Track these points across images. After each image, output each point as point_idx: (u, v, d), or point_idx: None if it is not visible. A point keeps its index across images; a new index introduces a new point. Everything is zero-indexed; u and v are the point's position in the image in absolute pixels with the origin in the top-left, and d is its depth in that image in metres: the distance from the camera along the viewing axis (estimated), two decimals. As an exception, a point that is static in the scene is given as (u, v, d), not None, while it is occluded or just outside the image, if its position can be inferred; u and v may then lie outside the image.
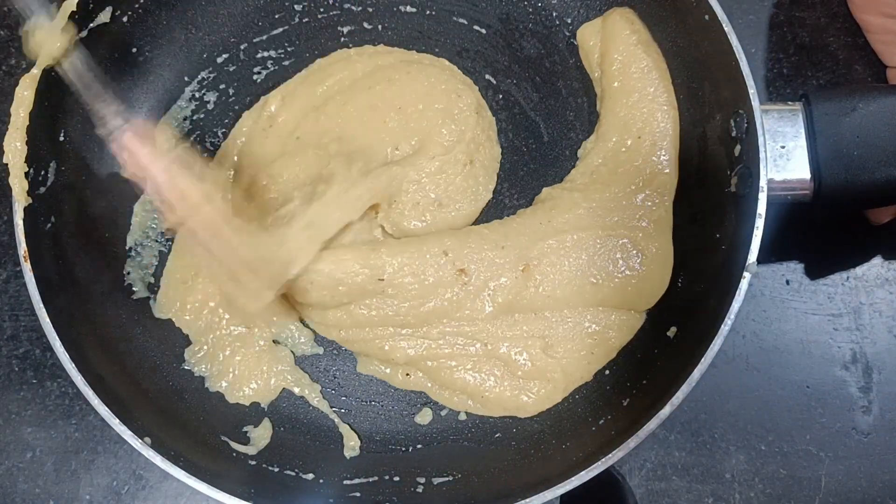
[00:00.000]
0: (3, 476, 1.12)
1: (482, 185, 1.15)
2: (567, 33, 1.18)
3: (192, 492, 1.10)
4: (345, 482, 1.04)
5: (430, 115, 1.15)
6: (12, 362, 1.15)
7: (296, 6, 1.19)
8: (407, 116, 1.15)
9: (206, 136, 1.16)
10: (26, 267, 0.96)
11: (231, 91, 1.18)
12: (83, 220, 1.08)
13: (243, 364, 1.09)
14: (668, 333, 1.05)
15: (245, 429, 1.07)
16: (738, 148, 1.00)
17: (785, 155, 0.98)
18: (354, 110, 1.16)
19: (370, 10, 1.20)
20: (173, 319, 1.10)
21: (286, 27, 1.18)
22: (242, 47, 1.18)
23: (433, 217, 1.13)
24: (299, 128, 1.16)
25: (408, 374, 1.10)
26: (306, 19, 1.19)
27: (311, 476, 1.05)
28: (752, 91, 0.97)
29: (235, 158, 1.15)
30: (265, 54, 1.18)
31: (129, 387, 1.02)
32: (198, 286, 1.10)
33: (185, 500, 1.12)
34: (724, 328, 0.93)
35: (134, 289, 1.10)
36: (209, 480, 0.93)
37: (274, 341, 1.11)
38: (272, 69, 1.18)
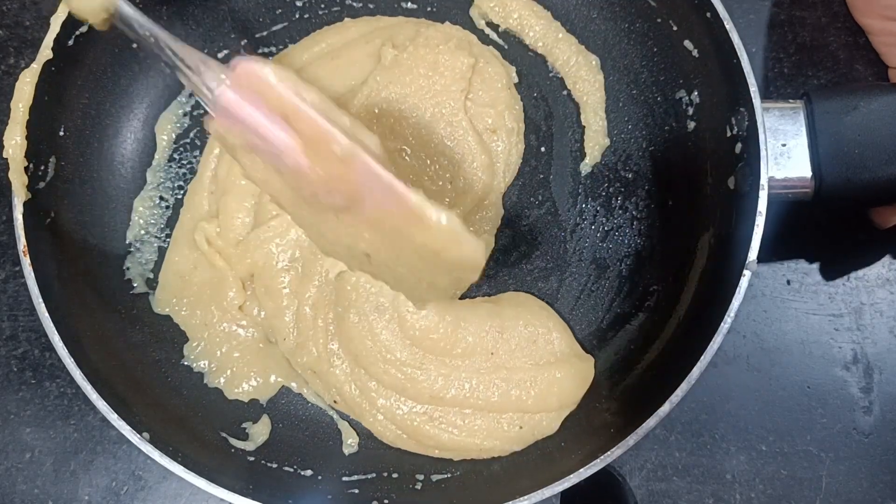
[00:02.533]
0: (2, 476, 1.12)
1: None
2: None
3: (192, 492, 1.11)
4: (343, 479, 1.04)
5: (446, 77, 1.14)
6: (11, 363, 1.15)
7: (297, 2, 1.19)
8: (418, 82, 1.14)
9: (206, 132, 1.16)
10: (25, 262, 0.95)
11: (231, 88, 1.17)
12: (82, 216, 1.08)
13: (242, 361, 1.09)
14: (667, 331, 1.05)
15: (244, 425, 1.07)
16: (738, 146, 1.01)
17: (786, 153, 0.99)
18: (345, 63, 1.15)
19: (371, 6, 1.20)
20: (171, 315, 1.10)
21: (286, 23, 1.19)
22: (243, 43, 1.18)
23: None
24: None
25: (335, 401, 1.09)
26: (307, 15, 1.19)
27: (309, 472, 1.04)
28: (753, 89, 0.97)
29: (216, 150, 1.15)
30: (266, 50, 1.18)
31: (127, 382, 1.02)
32: (194, 280, 1.10)
33: (185, 501, 1.12)
34: (724, 326, 0.92)
35: (133, 284, 1.10)
36: (208, 476, 0.93)
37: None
38: (273, 66, 1.18)
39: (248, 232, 1.10)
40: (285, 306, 1.08)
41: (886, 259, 1.15)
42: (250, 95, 0.82)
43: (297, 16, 1.19)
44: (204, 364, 1.09)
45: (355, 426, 1.09)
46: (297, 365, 1.08)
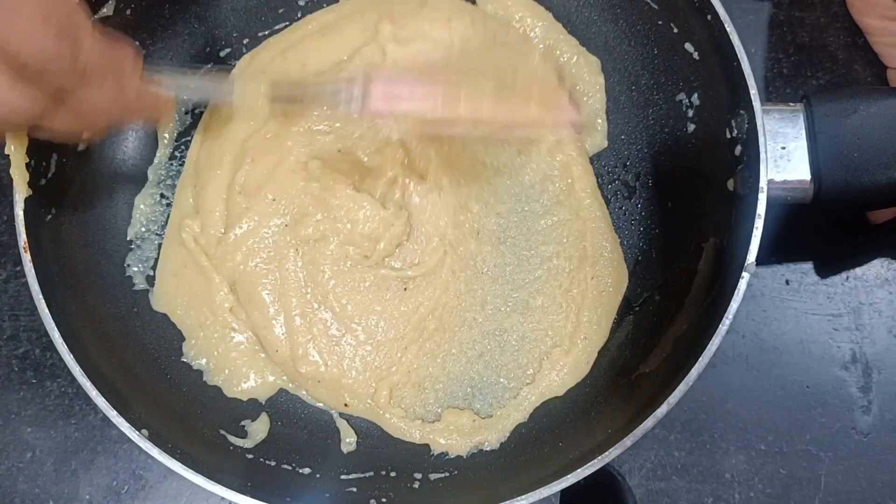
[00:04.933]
0: (2, 476, 1.12)
1: None
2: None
3: (192, 491, 1.11)
4: (341, 477, 1.04)
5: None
6: (12, 362, 1.15)
7: (299, 2, 1.20)
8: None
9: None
10: (26, 258, 0.95)
11: (234, 86, 1.17)
12: (84, 212, 1.08)
13: (239, 361, 1.09)
14: (667, 332, 1.05)
15: (243, 422, 1.07)
16: (738, 148, 1.01)
17: (785, 156, 0.99)
18: (336, 39, 1.14)
19: (372, 6, 1.20)
20: (168, 313, 1.10)
21: (288, 22, 1.19)
22: (245, 42, 1.18)
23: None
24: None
25: (346, 405, 1.09)
26: (309, 14, 1.19)
27: (307, 470, 1.04)
28: (753, 91, 0.97)
29: (197, 149, 1.14)
30: (267, 49, 1.18)
31: (127, 379, 1.02)
32: (186, 279, 1.10)
33: (185, 500, 1.12)
34: (723, 328, 0.92)
35: (134, 281, 1.10)
36: (206, 473, 0.92)
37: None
38: (275, 64, 1.18)
39: (223, 228, 1.09)
40: (272, 317, 1.07)
41: (885, 259, 1.15)
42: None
43: (299, 15, 1.19)
44: (202, 362, 1.09)
45: (354, 425, 1.09)
46: (299, 376, 1.07)
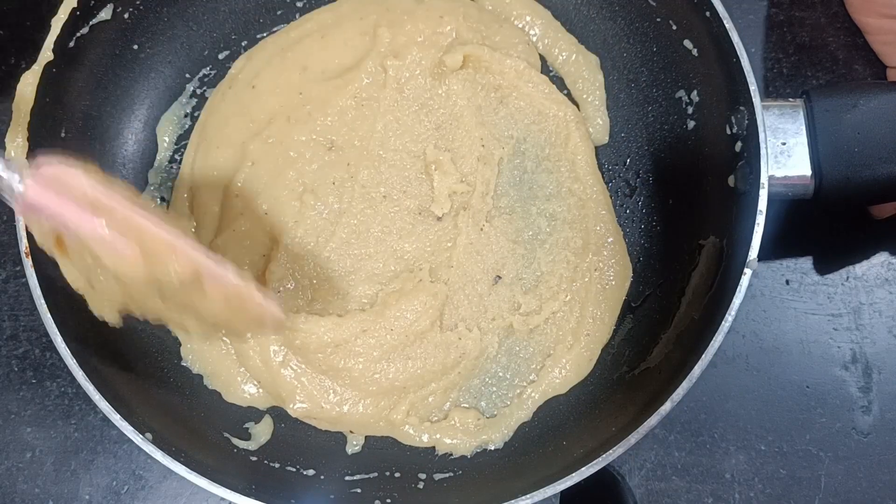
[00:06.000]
0: (2, 476, 1.12)
1: None
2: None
3: (192, 491, 1.11)
4: (346, 478, 1.05)
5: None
6: (12, 362, 1.15)
7: (297, 3, 1.19)
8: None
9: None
10: (27, 262, 0.95)
11: (232, 88, 1.17)
12: (84, 216, 1.07)
13: (233, 370, 1.08)
14: (669, 330, 1.05)
15: (246, 425, 1.07)
16: (738, 144, 1.01)
17: (786, 152, 0.99)
18: (336, 42, 1.13)
19: (371, 7, 1.19)
20: (165, 316, 1.09)
21: (286, 24, 1.18)
22: (244, 44, 1.18)
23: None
24: (258, 77, 1.13)
25: (351, 431, 1.08)
26: (307, 14, 1.18)
27: (312, 472, 1.05)
28: (753, 87, 0.97)
29: (194, 151, 1.13)
30: (267, 50, 1.18)
31: (129, 382, 1.02)
32: None
33: (185, 500, 1.12)
34: (725, 325, 0.92)
35: (135, 284, 1.09)
36: (210, 476, 0.92)
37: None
38: (274, 66, 1.17)
39: (216, 230, 1.09)
40: (249, 346, 1.06)
41: (885, 259, 1.15)
42: (56, 191, 0.79)
43: (297, 16, 1.19)
44: (199, 367, 1.09)
45: (358, 427, 1.09)
46: (292, 412, 1.06)
